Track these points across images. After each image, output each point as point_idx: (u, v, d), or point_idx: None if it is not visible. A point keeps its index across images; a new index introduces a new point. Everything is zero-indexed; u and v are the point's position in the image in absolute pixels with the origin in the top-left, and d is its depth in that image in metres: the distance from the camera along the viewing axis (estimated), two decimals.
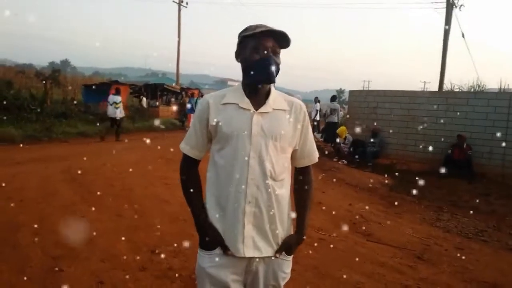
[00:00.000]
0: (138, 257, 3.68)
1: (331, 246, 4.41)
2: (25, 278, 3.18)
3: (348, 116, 13.01)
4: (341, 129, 11.84)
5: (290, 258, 1.70)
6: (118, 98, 13.10)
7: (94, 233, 4.20)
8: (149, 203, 5.51)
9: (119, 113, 12.97)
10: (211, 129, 1.61)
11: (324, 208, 5.84)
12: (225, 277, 1.57)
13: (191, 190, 1.65)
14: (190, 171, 1.69)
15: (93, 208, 5.08)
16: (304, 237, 1.72)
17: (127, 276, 3.30)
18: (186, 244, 3.96)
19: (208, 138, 1.65)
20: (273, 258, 1.61)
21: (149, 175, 7.32)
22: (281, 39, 1.56)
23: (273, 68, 1.54)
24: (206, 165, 1.69)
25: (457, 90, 15.12)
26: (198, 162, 1.71)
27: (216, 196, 1.61)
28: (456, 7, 17.05)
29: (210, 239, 1.59)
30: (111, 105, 12.84)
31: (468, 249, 4.68)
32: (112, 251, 3.79)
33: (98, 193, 5.89)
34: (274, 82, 1.58)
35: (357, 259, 4.07)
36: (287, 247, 1.65)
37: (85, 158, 8.07)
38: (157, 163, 8.69)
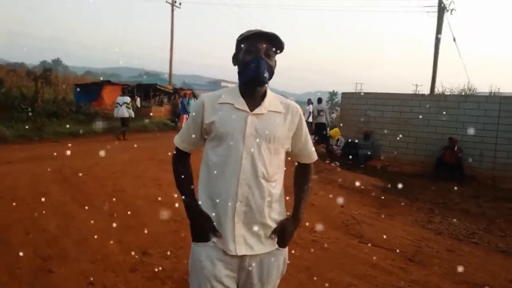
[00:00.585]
0: (129, 258, 3.66)
1: (323, 247, 4.42)
2: (14, 278, 3.15)
3: (340, 118, 13.05)
4: (334, 131, 11.88)
5: (285, 252, 1.70)
6: (128, 99, 13.57)
7: (85, 234, 4.17)
8: (141, 204, 5.48)
9: (128, 112, 13.28)
10: (206, 128, 1.62)
11: (316, 209, 5.85)
12: (219, 271, 1.57)
13: (183, 180, 1.70)
14: (181, 162, 1.75)
15: (85, 208, 5.04)
16: (300, 221, 1.75)
17: (118, 278, 3.28)
18: (178, 245, 3.95)
19: (202, 136, 1.68)
20: (270, 251, 1.63)
21: (142, 176, 7.28)
22: (274, 42, 1.58)
23: (263, 69, 1.55)
24: (199, 161, 1.71)
25: (449, 93, 15.26)
26: (189, 155, 1.77)
27: (208, 194, 1.62)
28: (447, 11, 17.24)
29: (202, 224, 1.60)
30: (121, 105, 13.10)
31: (459, 251, 4.72)
32: (103, 252, 3.76)
33: (90, 193, 5.85)
34: (265, 83, 1.61)
35: (349, 260, 4.08)
36: (281, 229, 1.65)
37: (76, 158, 8.01)
38: (150, 164, 8.66)
